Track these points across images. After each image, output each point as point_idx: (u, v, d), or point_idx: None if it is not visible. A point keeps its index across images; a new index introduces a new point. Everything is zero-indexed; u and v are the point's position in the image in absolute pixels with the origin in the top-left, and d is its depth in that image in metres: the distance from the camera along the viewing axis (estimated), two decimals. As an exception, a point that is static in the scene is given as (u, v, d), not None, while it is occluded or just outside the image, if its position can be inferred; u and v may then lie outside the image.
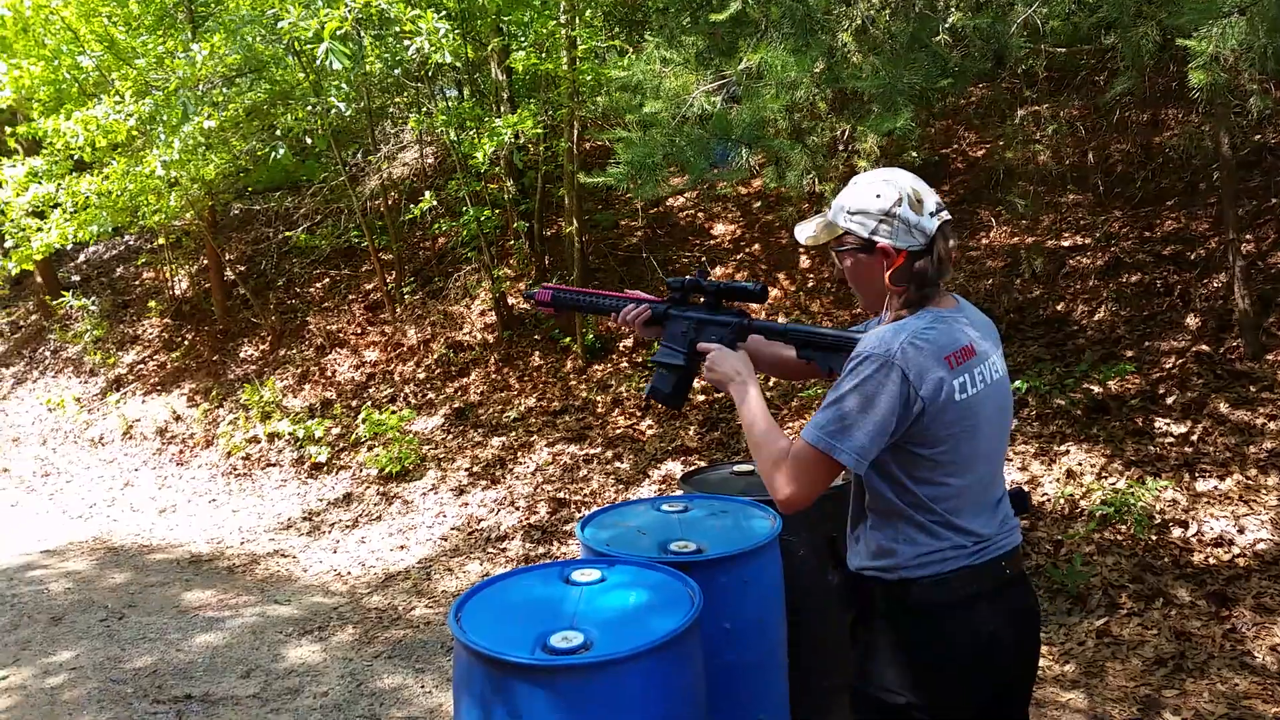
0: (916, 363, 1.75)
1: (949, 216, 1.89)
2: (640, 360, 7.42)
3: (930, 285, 1.86)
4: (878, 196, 1.86)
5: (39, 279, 11.92)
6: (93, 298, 11.44)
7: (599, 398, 7.22)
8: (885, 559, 1.87)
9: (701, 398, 6.74)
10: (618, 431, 6.82)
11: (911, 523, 1.83)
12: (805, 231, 2.03)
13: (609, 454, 6.62)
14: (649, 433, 6.72)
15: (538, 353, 7.95)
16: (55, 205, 8.56)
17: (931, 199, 1.87)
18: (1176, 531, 4.48)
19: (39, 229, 8.54)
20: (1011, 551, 1.91)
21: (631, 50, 6.70)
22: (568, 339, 7.77)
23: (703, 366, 2.20)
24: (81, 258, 13.17)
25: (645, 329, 2.36)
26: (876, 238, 1.86)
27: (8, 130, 10.44)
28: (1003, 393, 1.91)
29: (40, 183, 8.41)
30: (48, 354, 11.53)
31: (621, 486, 6.26)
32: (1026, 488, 5.03)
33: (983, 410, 1.83)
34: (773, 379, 6.32)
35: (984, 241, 6.77)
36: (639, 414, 6.96)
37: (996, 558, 1.86)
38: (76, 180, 8.34)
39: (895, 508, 1.85)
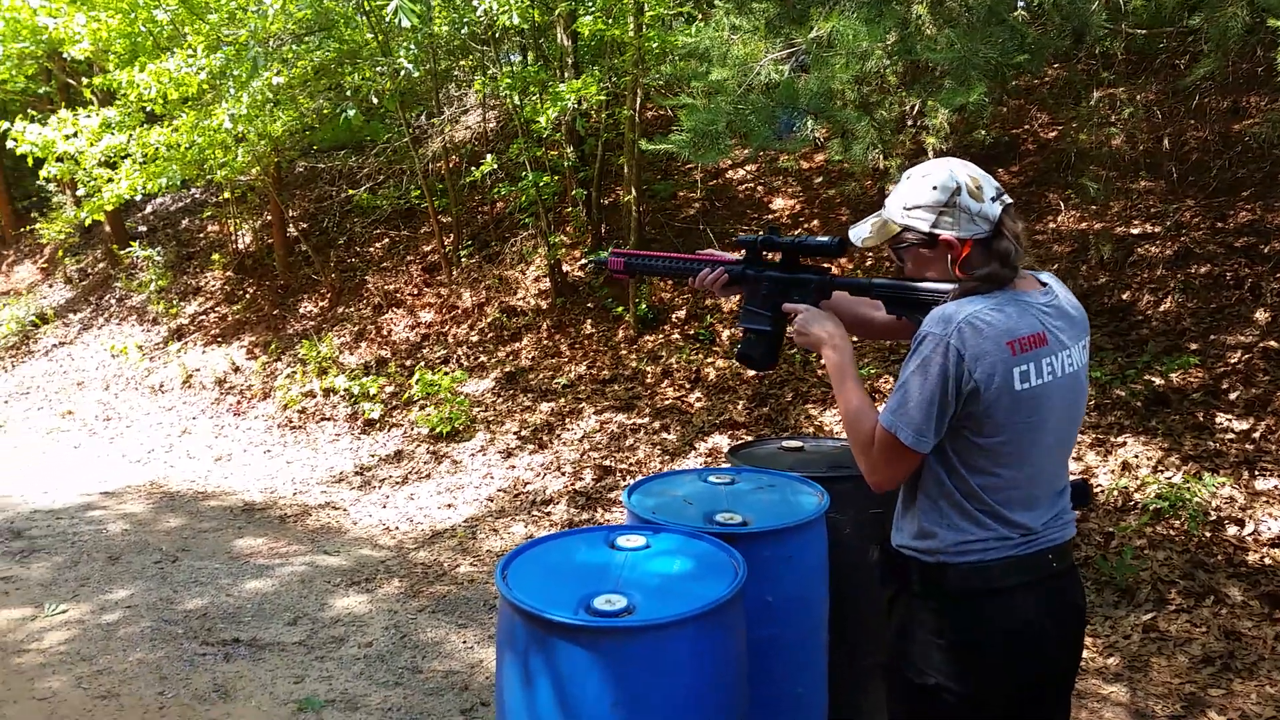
0: (974, 343, 1.70)
1: (1010, 200, 1.84)
2: (692, 332, 7.40)
3: (1009, 266, 1.79)
4: (934, 189, 1.81)
5: (108, 228, 12.20)
6: (158, 248, 11.69)
7: (649, 368, 7.22)
8: (926, 540, 1.85)
9: (750, 372, 6.71)
10: (666, 403, 6.83)
11: (958, 509, 1.80)
12: (860, 233, 1.98)
13: (656, 424, 6.63)
14: (697, 405, 6.72)
15: (590, 321, 7.97)
16: (126, 156, 8.73)
17: (990, 185, 1.82)
18: (1232, 529, 4.37)
19: (110, 179, 8.73)
20: (1061, 545, 1.86)
21: (700, 17, 6.63)
22: (620, 308, 7.77)
23: (793, 328, 2.11)
24: (149, 209, 13.45)
25: (724, 290, 2.28)
26: (939, 230, 1.82)
27: (84, 81, 10.65)
28: (1076, 387, 1.84)
29: (113, 133, 8.59)
30: (113, 302, 11.82)
31: (667, 457, 6.27)
32: (1082, 479, 4.95)
33: (1048, 403, 1.77)
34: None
35: (1051, 226, 6.63)
36: (688, 386, 6.95)
37: (1043, 550, 1.82)
38: (147, 132, 8.50)
39: (945, 491, 1.81)
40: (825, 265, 2.24)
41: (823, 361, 2.04)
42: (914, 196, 1.84)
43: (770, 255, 2.26)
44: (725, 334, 7.25)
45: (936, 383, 1.71)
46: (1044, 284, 1.87)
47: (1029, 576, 1.81)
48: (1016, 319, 1.74)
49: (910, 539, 1.89)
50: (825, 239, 2.12)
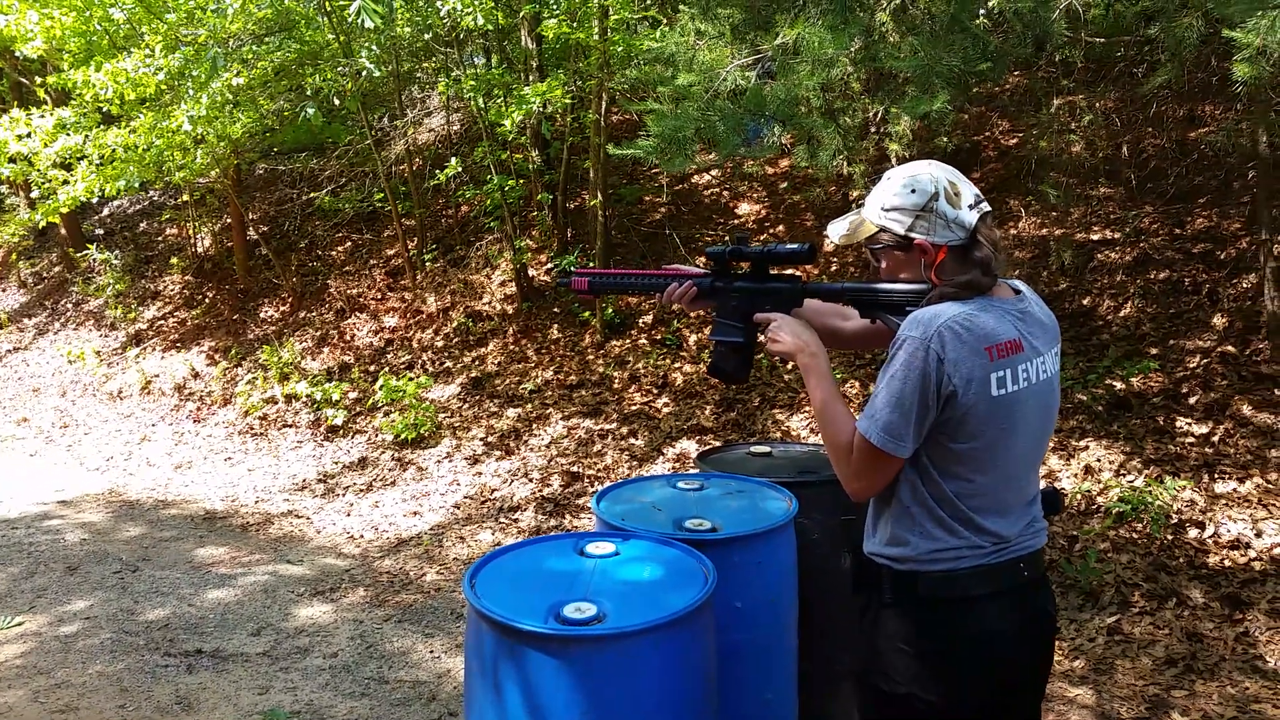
0: (953, 348, 1.69)
1: (988, 208, 1.84)
2: (659, 337, 7.40)
3: (988, 274, 1.79)
4: (912, 192, 1.81)
5: (63, 231, 11.98)
6: (115, 252, 11.50)
7: (616, 373, 7.21)
8: (898, 548, 1.84)
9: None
10: (634, 408, 6.82)
11: (931, 516, 1.80)
12: (838, 230, 1.97)
13: (624, 430, 6.62)
14: (665, 410, 6.71)
15: (556, 326, 7.95)
16: (82, 158, 8.58)
17: (969, 191, 1.82)
18: (1193, 532, 4.44)
19: (65, 181, 8.57)
20: (1033, 553, 1.86)
21: (665, 22, 6.63)
22: (587, 313, 7.75)
23: (765, 338, 2.09)
24: (106, 211, 13.23)
25: (693, 304, 2.26)
26: (913, 234, 1.81)
27: (37, 80, 10.46)
28: (1048, 394, 1.84)
29: (68, 134, 8.43)
30: (69, 306, 11.60)
31: (636, 463, 6.26)
32: (1044, 483, 5.00)
33: (1022, 410, 1.77)
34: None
35: (1013, 232, 6.70)
36: (656, 391, 6.94)
37: (1015, 559, 1.82)
38: (104, 133, 8.36)
39: (918, 497, 1.80)
40: (795, 273, 2.23)
41: (791, 367, 2.04)
42: (892, 199, 1.84)
43: (738, 266, 2.24)
44: (692, 339, 7.25)
45: (916, 386, 1.71)
46: (1018, 292, 1.87)
47: (1000, 585, 1.81)
48: (994, 325, 1.74)
49: (882, 546, 1.88)
50: (795, 246, 2.10)
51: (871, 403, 1.77)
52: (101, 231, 12.70)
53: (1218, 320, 5.43)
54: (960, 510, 1.78)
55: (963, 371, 1.70)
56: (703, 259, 7.98)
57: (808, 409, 6.00)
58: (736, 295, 2.20)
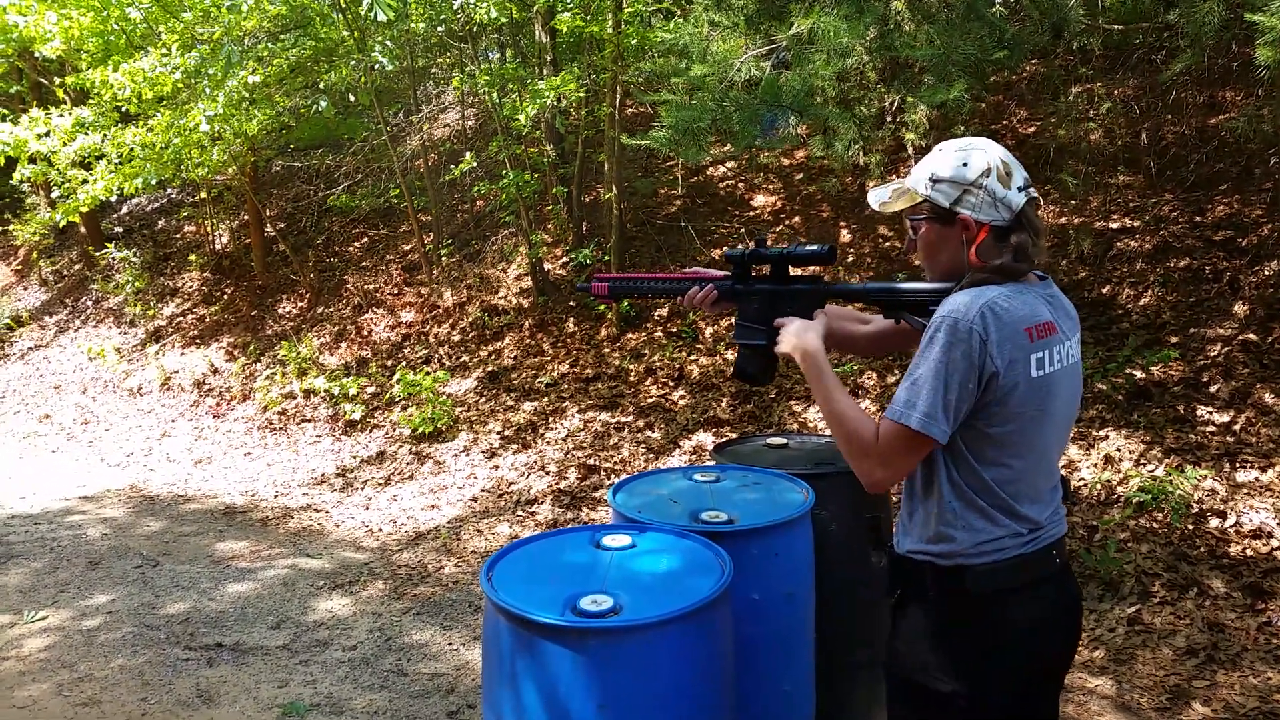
0: (995, 329, 1.66)
1: (1035, 194, 1.80)
2: (675, 330, 7.39)
3: (1026, 260, 1.77)
4: (964, 165, 1.77)
5: (83, 230, 12.07)
6: (134, 249, 11.58)
7: (632, 366, 7.21)
8: (942, 544, 1.79)
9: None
10: (650, 401, 6.81)
11: (973, 508, 1.76)
12: (879, 196, 1.94)
13: (640, 423, 6.62)
14: (681, 403, 6.71)
15: (572, 319, 7.95)
16: (100, 156, 8.64)
17: (1020, 174, 1.78)
18: (1214, 522, 4.40)
19: (84, 180, 8.63)
20: (1060, 540, 1.86)
21: (679, 13, 6.61)
22: (602, 306, 7.75)
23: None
24: (124, 210, 13.32)
25: (714, 307, 2.25)
26: (959, 209, 1.77)
27: (56, 80, 10.54)
28: (1075, 378, 1.84)
29: (86, 134, 8.49)
30: (89, 304, 11.69)
31: (652, 455, 6.26)
32: (1064, 472, 4.97)
33: (1056, 391, 1.76)
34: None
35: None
36: (671, 384, 6.94)
37: (1048, 546, 1.81)
38: (122, 132, 8.41)
39: (958, 490, 1.77)
40: (817, 274, 2.21)
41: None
42: (942, 169, 1.79)
43: (758, 268, 2.23)
44: (708, 331, 7.24)
45: (959, 368, 1.67)
46: (1042, 277, 1.85)
47: (1037, 574, 1.80)
48: (1032, 306, 1.73)
49: (922, 543, 1.83)
50: (815, 247, 2.07)
51: (909, 387, 1.71)
52: (120, 230, 12.79)
53: (1239, 308, 5.38)
54: (1000, 499, 1.76)
55: (1005, 352, 1.67)
56: (721, 258, 7.97)
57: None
58: (758, 298, 2.19)
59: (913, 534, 1.86)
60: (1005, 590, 1.78)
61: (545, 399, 7.19)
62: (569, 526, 4.27)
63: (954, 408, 1.68)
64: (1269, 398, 4.86)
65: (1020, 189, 1.77)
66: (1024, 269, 1.77)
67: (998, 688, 1.79)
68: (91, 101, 8.76)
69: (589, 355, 7.53)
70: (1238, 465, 4.61)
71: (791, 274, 2.19)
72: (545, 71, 7.99)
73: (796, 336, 2.00)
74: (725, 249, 2.45)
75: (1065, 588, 1.87)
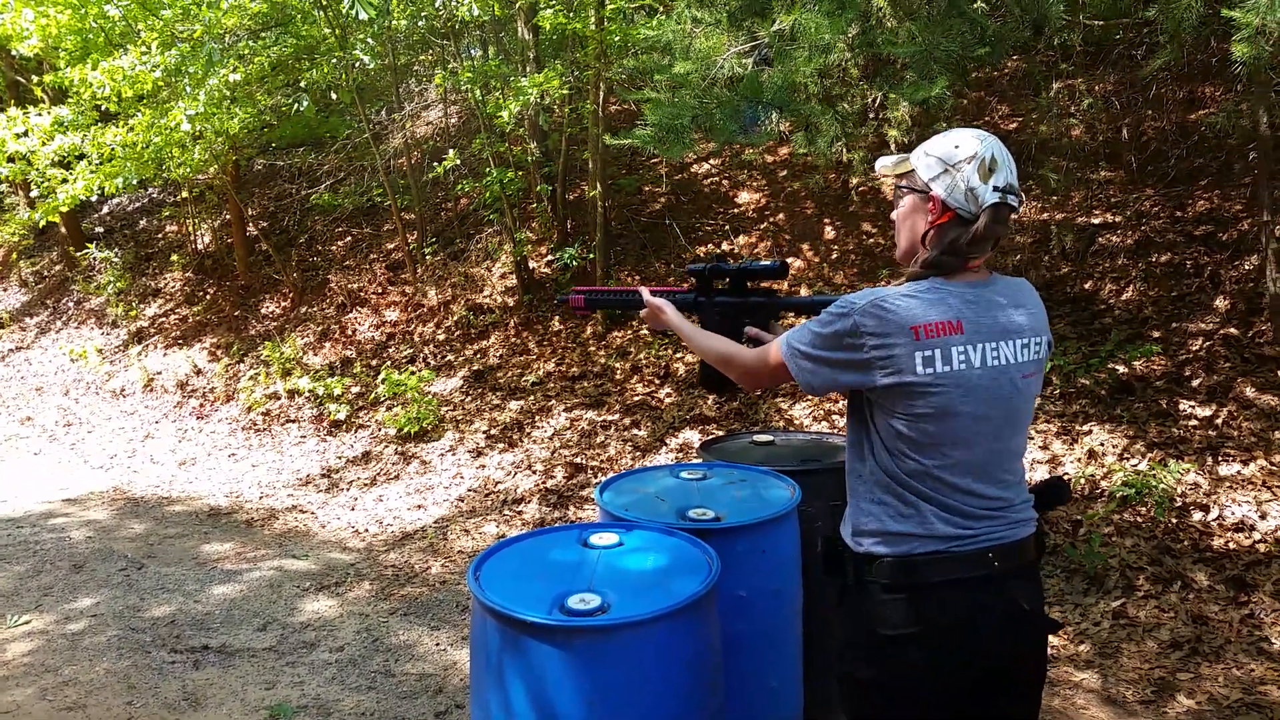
0: (872, 325, 1.72)
1: (1015, 204, 1.80)
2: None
3: (956, 255, 1.79)
4: (956, 147, 1.80)
5: (63, 230, 11.98)
6: (116, 250, 11.50)
7: (618, 364, 7.20)
8: (856, 529, 1.86)
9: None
10: (636, 399, 6.82)
11: (889, 493, 1.80)
12: (885, 162, 1.99)
13: (626, 421, 6.62)
14: (667, 401, 6.71)
15: (557, 317, 7.94)
16: (80, 156, 8.58)
17: (1004, 176, 1.78)
18: (1197, 515, 4.44)
19: (64, 180, 8.57)
20: (1006, 544, 1.81)
21: (661, 10, 6.61)
22: (588, 304, 7.73)
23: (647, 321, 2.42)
24: (105, 210, 13.23)
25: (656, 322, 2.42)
26: (933, 185, 1.81)
27: (34, 79, 10.45)
28: (1005, 381, 1.79)
29: (66, 133, 8.42)
30: (71, 305, 11.61)
31: (639, 453, 6.26)
32: (1048, 467, 5.00)
33: (961, 391, 1.74)
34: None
35: (1014, 217, 6.68)
36: (657, 381, 6.94)
37: (983, 548, 1.78)
38: (102, 131, 8.35)
39: (877, 477, 1.81)
40: (772, 288, 2.36)
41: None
42: (936, 146, 1.84)
43: (719, 282, 2.43)
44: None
45: (830, 342, 1.79)
46: (987, 280, 1.84)
47: (960, 574, 1.77)
48: (928, 306, 1.74)
49: (849, 531, 1.89)
50: (768, 263, 2.30)
51: (799, 335, 1.86)
52: (101, 230, 12.70)
53: (1220, 302, 5.42)
54: (916, 491, 1.78)
55: (881, 347, 1.73)
56: (687, 279, 7.98)
57: (809, 398, 6.00)
58: (719, 310, 2.39)
59: (846, 520, 1.92)
60: (918, 585, 1.78)
61: (531, 398, 7.18)
62: (556, 525, 4.27)
63: (820, 378, 1.83)
64: (1250, 391, 4.90)
65: (997, 189, 1.78)
66: (951, 264, 1.80)
67: (918, 683, 1.77)
68: (70, 100, 8.69)
69: (575, 353, 7.53)
70: (1220, 459, 4.65)
71: (749, 287, 2.38)
72: (528, 69, 7.98)
73: (653, 316, 2.36)
74: (689, 264, 2.70)
75: (1005, 593, 1.80)
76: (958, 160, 1.79)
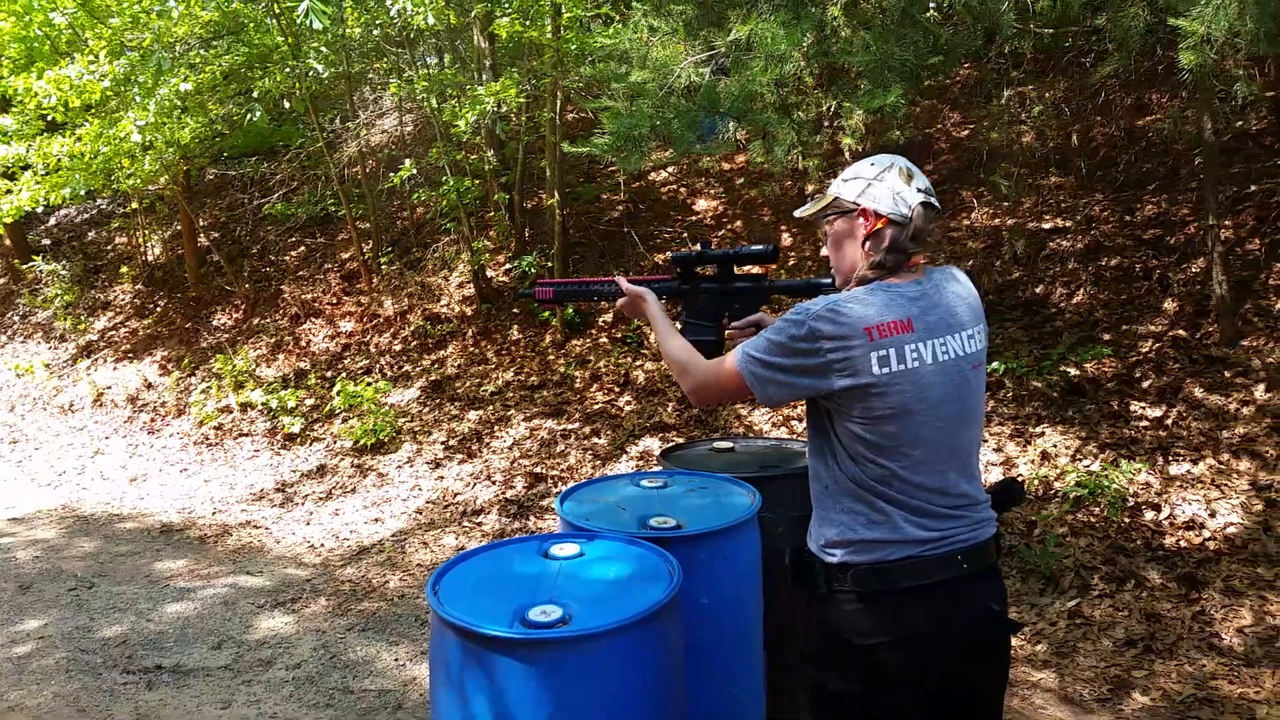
0: (828, 329, 1.76)
1: (935, 202, 1.91)
2: (620, 335, 7.38)
3: (898, 254, 1.86)
4: (871, 165, 1.93)
5: (8, 242, 11.71)
6: (63, 262, 11.27)
7: (577, 373, 7.18)
8: (826, 539, 1.87)
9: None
10: (596, 407, 6.80)
11: (859, 501, 1.82)
12: (804, 210, 2.06)
13: (587, 429, 6.60)
14: (627, 409, 6.70)
15: (516, 326, 7.90)
16: (26, 167, 8.39)
17: (922, 180, 1.90)
18: (1149, 514, 4.51)
19: (8, 190, 8.38)
20: (973, 547, 1.83)
21: (618, 19, 6.62)
22: (547, 313, 7.71)
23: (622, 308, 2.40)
24: (52, 221, 12.95)
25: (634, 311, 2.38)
26: (861, 200, 1.89)
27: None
28: (955, 375, 1.82)
29: (10, 143, 8.24)
30: (16, 319, 11.34)
31: (599, 462, 6.24)
32: (1002, 469, 5.06)
33: (916, 388, 1.77)
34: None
35: (965, 222, 6.77)
36: (617, 389, 6.93)
37: (951, 551, 1.80)
38: (48, 141, 8.17)
39: (844, 486, 1.83)
40: (760, 273, 2.32)
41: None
42: (853, 170, 1.96)
43: (703, 269, 2.37)
44: (653, 337, 7.25)
45: (786, 348, 1.81)
46: (925, 275, 1.90)
47: (932, 578, 1.79)
48: (880, 307, 1.79)
49: (815, 539, 1.91)
50: (759, 247, 2.26)
51: (756, 347, 1.87)
52: (48, 241, 12.42)
53: (1168, 305, 5.53)
54: (884, 496, 1.80)
55: (838, 350, 1.76)
56: (666, 262, 7.99)
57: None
58: (705, 296, 2.34)
59: (812, 532, 1.94)
60: (891, 591, 1.79)
61: (490, 408, 7.13)
62: (516, 536, 4.24)
63: (779, 388, 1.85)
64: (1199, 392, 4.99)
65: (920, 190, 1.89)
66: (895, 263, 1.86)
67: (888, 691, 1.79)
68: (14, 110, 8.50)
69: (534, 362, 7.49)
70: (1170, 459, 4.74)
71: (736, 273, 2.33)
72: (485, 77, 7.94)
73: (632, 306, 2.34)
74: (671, 252, 2.63)
75: (973, 596, 1.82)
76: (878, 173, 1.90)
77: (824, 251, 2.03)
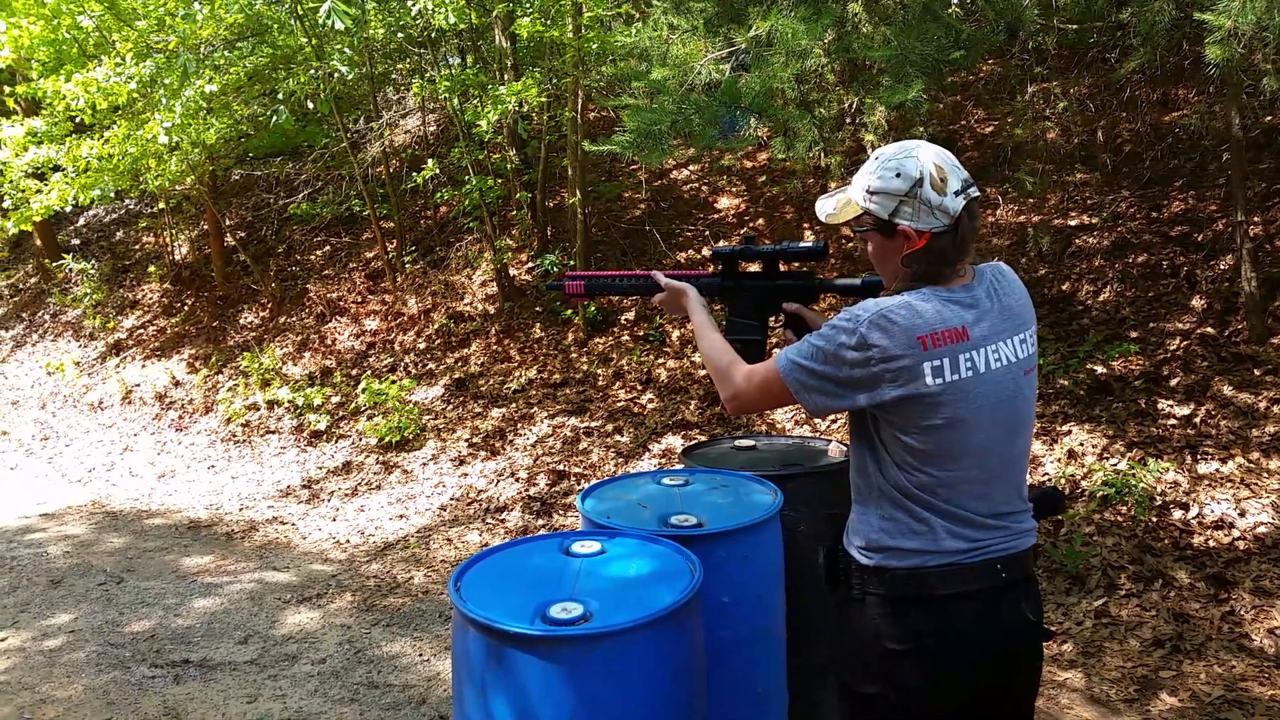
0: (878, 338, 1.68)
1: (976, 193, 1.78)
2: (642, 334, 7.39)
3: (946, 264, 1.76)
4: (897, 176, 1.75)
5: (38, 242, 11.88)
6: (92, 261, 11.40)
7: (600, 370, 7.19)
8: (864, 541, 1.83)
9: (702, 372, 6.71)
10: (618, 405, 6.81)
11: (901, 509, 1.77)
12: (825, 209, 1.94)
13: (609, 427, 6.61)
14: (649, 406, 6.71)
15: (538, 324, 7.93)
16: (56, 168, 8.50)
17: (956, 177, 1.76)
18: (1177, 513, 4.46)
19: (38, 190, 8.49)
20: (1013, 555, 1.79)
21: (638, 17, 6.62)
22: (569, 311, 7.73)
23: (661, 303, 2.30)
24: (81, 221, 13.12)
25: (675, 307, 2.30)
26: (897, 220, 1.76)
27: (6, 90, 10.35)
28: (1008, 382, 1.77)
29: (40, 144, 8.35)
30: (47, 317, 11.50)
31: (621, 460, 6.25)
32: (1029, 468, 5.02)
33: (970, 398, 1.72)
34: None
35: (990, 219, 6.73)
36: (640, 387, 6.93)
37: (991, 560, 1.76)
38: (78, 143, 8.28)
39: (885, 492, 1.78)
40: (808, 270, 2.25)
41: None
42: (876, 182, 1.79)
43: (745, 265, 2.28)
44: (675, 335, 7.25)
45: (833, 356, 1.72)
46: (975, 278, 1.82)
47: (970, 586, 1.75)
48: (933, 315, 1.71)
49: (852, 540, 1.87)
50: (809, 244, 2.16)
51: (803, 350, 1.79)
52: (78, 241, 12.59)
53: (1196, 302, 5.47)
54: (927, 505, 1.75)
55: (889, 360, 1.68)
56: (685, 261, 7.99)
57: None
58: (749, 294, 2.25)
59: (849, 531, 1.90)
60: (926, 598, 1.76)
61: (513, 405, 7.16)
62: (538, 534, 4.25)
63: (825, 399, 1.77)
64: (1228, 390, 4.94)
65: (958, 192, 1.75)
66: (944, 273, 1.77)
67: (923, 698, 1.76)
68: (44, 112, 8.61)
69: (556, 360, 7.51)
70: (1199, 457, 4.69)
71: (782, 270, 2.24)
72: (506, 77, 7.97)
73: (672, 298, 2.25)
74: (712, 247, 2.55)
75: (1011, 605, 1.79)
76: (908, 190, 1.75)
77: (854, 245, 1.98)
